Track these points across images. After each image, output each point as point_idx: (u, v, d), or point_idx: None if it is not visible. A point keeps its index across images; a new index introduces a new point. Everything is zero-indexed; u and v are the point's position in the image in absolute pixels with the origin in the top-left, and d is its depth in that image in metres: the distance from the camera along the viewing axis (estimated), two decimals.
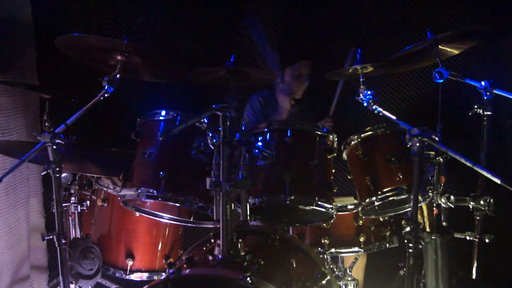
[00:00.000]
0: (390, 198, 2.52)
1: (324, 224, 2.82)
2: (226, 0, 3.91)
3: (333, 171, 2.67)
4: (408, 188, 2.47)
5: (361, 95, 2.56)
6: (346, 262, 3.08)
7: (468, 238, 2.57)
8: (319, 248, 2.85)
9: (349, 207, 2.83)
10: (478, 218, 2.51)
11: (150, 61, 2.66)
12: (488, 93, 2.45)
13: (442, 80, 2.48)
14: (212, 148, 2.13)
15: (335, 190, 2.58)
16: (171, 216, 2.68)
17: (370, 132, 2.62)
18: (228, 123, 2.12)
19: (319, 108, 3.65)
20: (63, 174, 2.33)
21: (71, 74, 3.54)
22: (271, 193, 2.44)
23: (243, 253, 2.10)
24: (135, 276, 2.76)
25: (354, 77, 2.65)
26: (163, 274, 2.75)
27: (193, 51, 3.86)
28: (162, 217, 2.68)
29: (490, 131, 2.49)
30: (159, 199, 2.36)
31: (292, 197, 2.40)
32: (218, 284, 1.97)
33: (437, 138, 2.07)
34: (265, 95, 3.67)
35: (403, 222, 2.21)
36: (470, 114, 2.52)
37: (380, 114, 2.48)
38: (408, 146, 2.10)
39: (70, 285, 2.47)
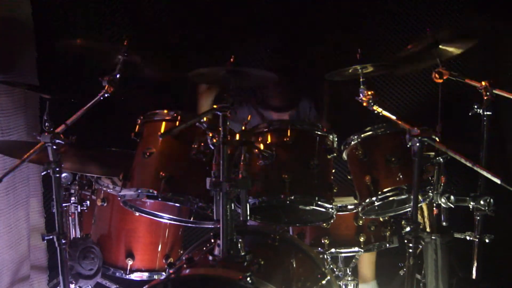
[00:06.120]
0: (390, 198, 2.52)
1: (324, 224, 2.81)
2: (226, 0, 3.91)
3: (333, 171, 2.67)
4: (408, 188, 2.47)
5: (361, 95, 2.56)
6: (346, 262, 3.08)
7: (468, 238, 2.58)
8: (319, 248, 2.85)
9: (349, 207, 2.83)
10: (478, 218, 2.52)
11: (150, 61, 2.67)
12: (488, 93, 2.45)
13: (442, 80, 2.48)
14: (212, 148, 2.13)
15: (335, 190, 2.58)
16: (171, 216, 2.68)
17: (370, 132, 2.63)
18: (228, 123, 2.12)
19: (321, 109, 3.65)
20: (63, 174, 2.33)
21: (71, 74, 3.53)
22: (271, 193, 2.44)
23: (243, 253, 2.10)
24: (135, 276, 2.76)
25: (354, 77, 2.65)
26: (163, 274, 2.75)
27: (193, 51, 3.85)
28: (162, 217, 2.67)
29: (490, 131, 2.49)
30: (159, 199, 2.35)
31: (292, 197, 2.40)
32: (218, 284, 1.96)
33: (437, 138, 2.07)
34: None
35: (403, 222, 2.21)
36: (470, 114, 2.52)
37: (380, 114, 2.48)
38: (408, 146, 2.10)
39: (70, 285, 2.47)
